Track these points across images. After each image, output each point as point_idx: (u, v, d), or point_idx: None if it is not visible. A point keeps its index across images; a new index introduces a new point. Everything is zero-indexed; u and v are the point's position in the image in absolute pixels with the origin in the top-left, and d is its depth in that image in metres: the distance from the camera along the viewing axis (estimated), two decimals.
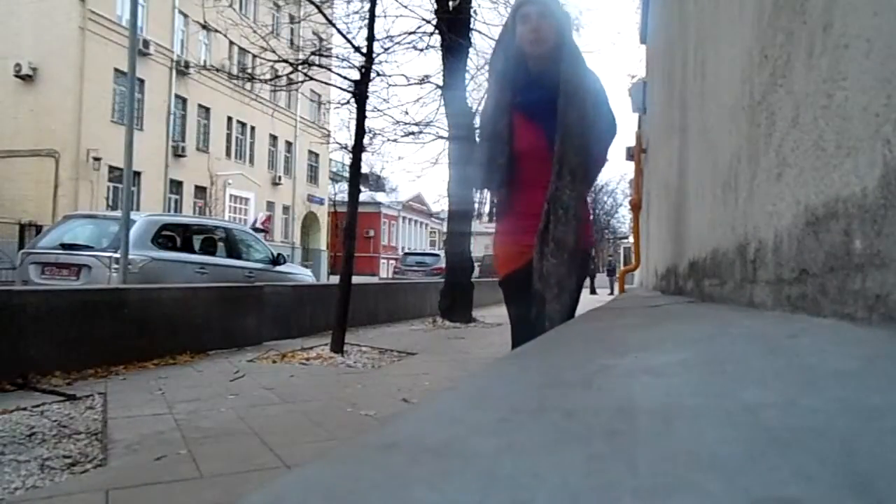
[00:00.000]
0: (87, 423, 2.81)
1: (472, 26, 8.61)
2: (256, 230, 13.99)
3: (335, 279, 6.41)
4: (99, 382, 3.70)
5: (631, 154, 6.50)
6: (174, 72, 21.19)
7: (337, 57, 7.20)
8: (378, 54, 6.54)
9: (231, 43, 18.45)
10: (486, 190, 2.10)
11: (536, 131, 2.03)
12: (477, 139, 2.22)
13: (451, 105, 8.57)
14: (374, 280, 16.64)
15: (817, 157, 0.76)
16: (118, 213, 6.32)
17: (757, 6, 1.07)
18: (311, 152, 29.61)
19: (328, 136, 18.40)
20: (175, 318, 4.78)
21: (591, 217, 2.50)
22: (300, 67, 6.25)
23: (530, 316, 2.06)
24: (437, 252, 23.73)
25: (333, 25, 6.20)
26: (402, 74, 9.72)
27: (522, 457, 0.32)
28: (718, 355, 0.68)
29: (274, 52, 6.37)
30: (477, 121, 9.33)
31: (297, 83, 6.93)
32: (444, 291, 8.69)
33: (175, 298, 4.94)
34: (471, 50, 8.70)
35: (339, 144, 11.76)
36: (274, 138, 27.14)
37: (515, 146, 2.05)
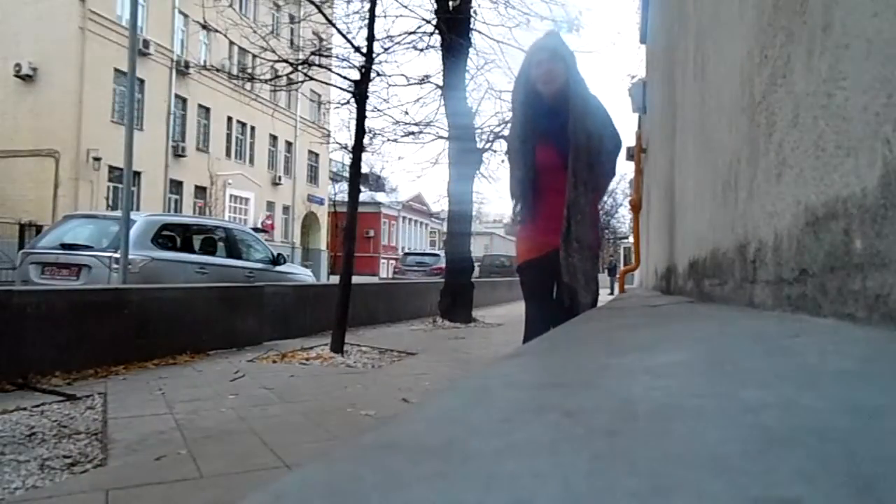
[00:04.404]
0: (87, 423, 2.80)
1: (472, 26, 8.60)
2: (257, 230, 13.98)
3: (335, 279, 6.40)
4: (99, 382, 3.70)
5: (631, 154, 6.49)
6: (174, 72, 21.18)
7: (337, 57, 7.20)
8: (378, 54, 6.53)
9: (231, 43, 18.45)
10: (518, 200, 2.61)
11: (553, 151, 2.43)
12: (505, 159, 2.80)
13: (451, 105, 8.57)
14: (374, 280, 16.64)
15: (817, 157, 0.76)
16: (118, 213, 6.32)
17: (757, 6, 1.07)
18: (311, 152, 29.59)
19: (328, 136, 18.39)
20: (175, 318, 4.77)
21: (600, 222, 2.92)
22: (300, 67, 6.25)
23: (544, 300, 2.50)
24: (437, 252, 23.72)
25: (333, 25, 6.19)
26: (402, 74, 9.71)
27: (522, 457, 0.32)
28: (718, 355, 0.68)
29: (274, 52, 6.37)
30: (477, 121, 9.36)
31: (297, 83, 6.93)
32: (444, 291, 8.69)
33: (175, 298, 4.94)
34: (471, 50, 8.69)
35: (339, 144, 11.79)
36: (274, 138, 27.13)
37: (537, 163, 2.46)
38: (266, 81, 7.65)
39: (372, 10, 5.64)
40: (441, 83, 8.76)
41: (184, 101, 22.00)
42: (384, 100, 9.28)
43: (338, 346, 5.05)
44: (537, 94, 2.47)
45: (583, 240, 2.33)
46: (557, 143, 2.40)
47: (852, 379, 0.46)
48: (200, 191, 22.75)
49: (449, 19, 7.95)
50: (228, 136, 24.62)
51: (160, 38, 20.27)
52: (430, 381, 4.10)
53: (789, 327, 0.77)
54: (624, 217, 34.25)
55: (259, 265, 7.66)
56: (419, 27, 8.41)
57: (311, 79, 6.35)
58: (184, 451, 2.41)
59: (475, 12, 8.74)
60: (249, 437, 2.65)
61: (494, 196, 57.67)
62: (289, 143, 28.28)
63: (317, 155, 30.23)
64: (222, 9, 7.79)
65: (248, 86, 18.50)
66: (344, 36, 6.04)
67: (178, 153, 21.43)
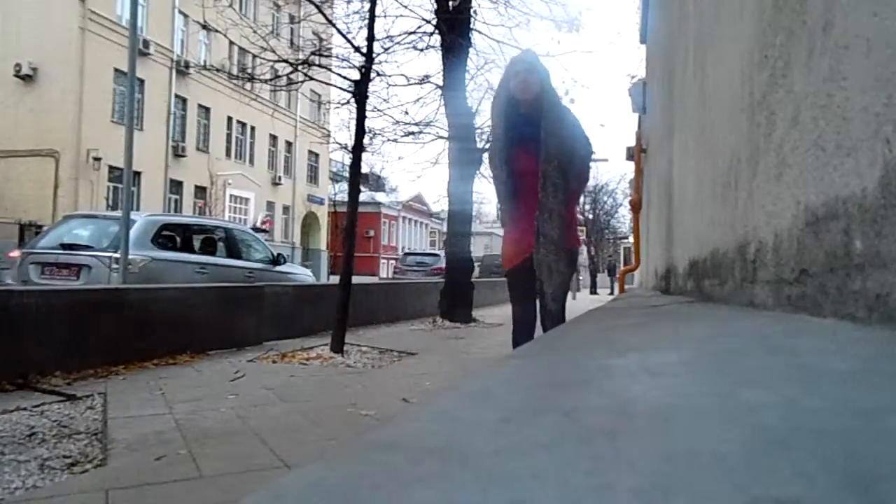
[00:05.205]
0: (87, 423, 2.80)
1: (472, 26, 8.60)
2: (256, 230, 13.97)
3: (335, 279, 6.40)
4: (99, 382, 3.70)
5: (631, 154, 6.50)
6: (174, 72, 21.18)
7: (337, 57, 7.20)
8: (378, 54, 6.53)
9: (231, 43, 18.42)
10: (502, 203, 2.83)
11: (530, 157, 2.61)
12: (489, 166, 3.00)
13: (451, 105, 8.57)
14: (374, 280, 16.63)
15: (817, 157, 0.76)
16: (118, 213, 6.32)
17: (757, 6, 1.07)
18: (311, 152, 29.59)
19: (328, 136, 18.37)
20: (175, 318, 4.77)
21: (579, 222, 3.22)
22: (300, 67, 6.24)
23: (528, 300, 2.68)
24: (437, 252, 23.72)
25: (333, 25, 6.19)
26: (402, 74, 9.70)
27: (522, 457, 0.32)
28: (718, 355, 0.68)
29: (274, 52, 6.37)
30: (477, 121, 9.36)
31: (297, 83, 6.92)
32: (444, 291, 8.69)
33: (175, 298, 4.94)
34: (471, 50, 8.69)
35: (339, 144, 11.75)
36: (274, 138, 27.12)
37: (515, 168, 2.67)
38: (266, 81, 7.64)
39: (372, 10, 5.64)
40: (441, 83, 8.76)
41: (184, 101, 22.00)
42: (384, 100, 9.27)
43: (338, 346, 5.05)
44: (516, 104, 2.68)
45: (548, 235, 2.54)
46: (534, 150, 2.58)
47: (852, 379, 0.46)
48: (200, 191, 22.74)
49: (449, 19, 7.94)
50: (228, 136, 24.62)
51: (160, 38, 20.27)
52: (430, 381, 4.10)
53: (789, 327, 0.77)
54: (624, 217, 34.24)
55: (259, 265, 7.66)
56: (419, 27, 8.42)
57: (311, 79, 6.34)
58: (184, 451, 2.41)
59: (475, 12, 8.75)
60: (249, 437, 2.65)
61: (494, 196, 57.57)
62: (289, 143, 28.27)
63: (317, 155, 30.23)
64: (222, 9, 7.78)
65: (248, 86, 18.51)
66: (344, 36, 6.04)
67: (178, 153, 21.43)
